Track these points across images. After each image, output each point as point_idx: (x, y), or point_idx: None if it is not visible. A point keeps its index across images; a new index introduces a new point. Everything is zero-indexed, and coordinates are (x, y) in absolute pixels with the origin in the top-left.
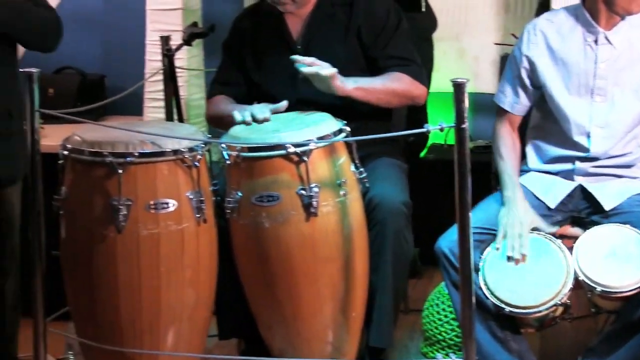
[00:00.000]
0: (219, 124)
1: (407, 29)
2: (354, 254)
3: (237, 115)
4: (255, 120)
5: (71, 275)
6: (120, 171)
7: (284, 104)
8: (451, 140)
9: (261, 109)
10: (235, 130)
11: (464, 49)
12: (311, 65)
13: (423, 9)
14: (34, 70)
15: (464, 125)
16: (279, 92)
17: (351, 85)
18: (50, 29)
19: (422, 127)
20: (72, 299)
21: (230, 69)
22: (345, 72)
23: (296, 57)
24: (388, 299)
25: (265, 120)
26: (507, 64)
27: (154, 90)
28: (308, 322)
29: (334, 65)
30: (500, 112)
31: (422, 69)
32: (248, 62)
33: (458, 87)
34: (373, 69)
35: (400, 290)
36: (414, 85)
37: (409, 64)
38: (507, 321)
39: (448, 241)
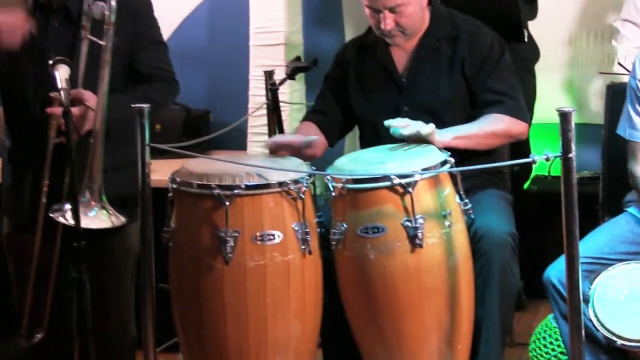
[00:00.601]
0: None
1: (509, 62)
2: (459, 285)
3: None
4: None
5: (180, 306)
6: (227, 203)
7: (315, 138)
8: (556, 171)
9: (279, 138)
10: (339, 161)
11: (568, 79)
12: (407, 127)
13: (525, 39)
14: (144, 105)
15: (571, 155)
16: (381, 125)
17: (449, 137)
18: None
19: (526, 158)
20: (181, 329)
21: (327, 99)
22: (449, 107)
23: (390, 122)
24: (494, 332)
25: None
26: (627, 96)
27: (257, 124)
28: (413, 354)
29: (438, 101)
30: (634, 148)
31: (521, 104)
32: (352, 94)
33: (564, 116)
34: (474, 105)
35: (507, 323)
36: (513, 123)
37: (508, 100)
38: (618, 355)
39: (557, 271)
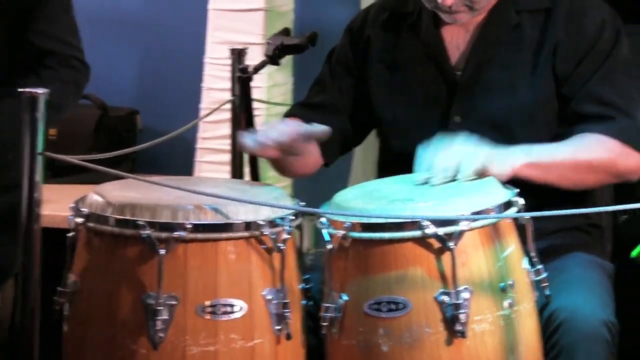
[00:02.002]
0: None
1: (626, 56)
2: None
3: (246, 140)
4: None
5: None
6: (162, 252)
7: (326, 129)
8: None
9: (270, 129)
10: (343, 195)
11: None
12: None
13: None
14: (40, 91)
15: None
16: (418, 141)
17: (520, 161)
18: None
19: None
20: None
21: (330, 89)
22: (528, 121)
23: (422, 177)
24: None
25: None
26: None
27: (213, 135)
28: None
29: (511, 109)
30: None
31: (638, 125)
32: (374, 89)
33: None
34: (564, 118)
35: None
36: (622, 154)
37: (618, 116)
38: None
39: None
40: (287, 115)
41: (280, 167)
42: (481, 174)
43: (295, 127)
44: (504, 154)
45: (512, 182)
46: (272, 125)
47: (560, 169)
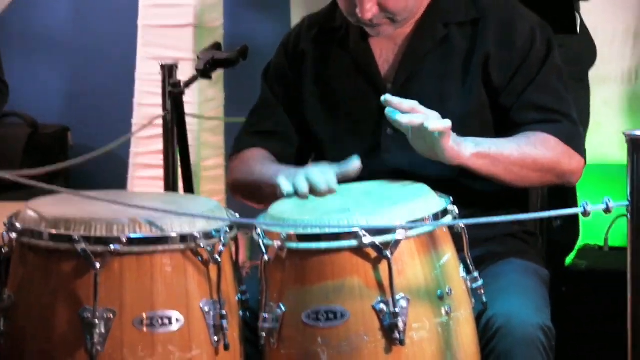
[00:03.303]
0: (249, 194)
1: (559, 63)
2: None
3: (285, 184)
4: (314, 192)
5: None
6: (97, 266)
7: (357, 164)
8: (617, 238)
9: (323, 173)
10: (278, 206)
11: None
12: (411, 113)
13: (578, 30)
14: None
15: None
16: (351, 153)
17: (470, 150)
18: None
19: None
20: None
21: (275, 113)
22: (461, 131)
23: (389, 97)
24: None
25: (331, 191)
26: None
27: (145, 150)
28: None
29: (444, 118)
30: None
31: (578, 129)
32: (308, 106)
33: (637, 143)
34: (502, 127)
35: None
36: (566, 155)
37: (560, 119)
38: None
39: None
40: (245, 147)
41: (256, 197)
42: (435, 138)
43: (333, 171)
44: (458, 138)
45: (446, 189)
46: (304, 167)
47: (507, 163)
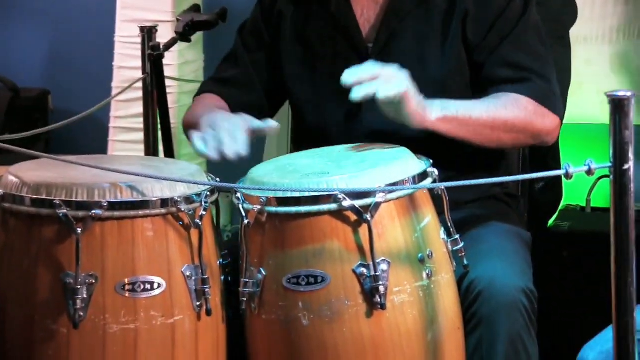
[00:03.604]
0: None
1: (537, 21)
2: None
3: (197, 142)
4: (224, 156)
5: None
6: (79, 231)
7: (274, 124)
8: (599, 199)
9: (234, 140)
10: (258, 170)
11: (622, 54)
12: (372, 81)
13: None
14: None
15: (627, 166)
16: (332, 115)
17: (436, 113)
18: None
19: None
20: None
21: (242, 64)
22: (441, 90)
23: (347, 76)
24: None
25: (239, 156)
26: None
27: (125, 115)
28: None
29: (423, 80)
30: None
31: (553, 87)
32: (288, 67)
33: (618, 105)
34: (477, 85)
35: None
36: (538, 114)
37: (533, 78)
38: None
39: (598, 352)
40: (202, 91)
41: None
42: (396, 104)
43: (246, 123)
44: (422, 101)
45: (427, 152)
46: (221, 119)
47: (476, 125)
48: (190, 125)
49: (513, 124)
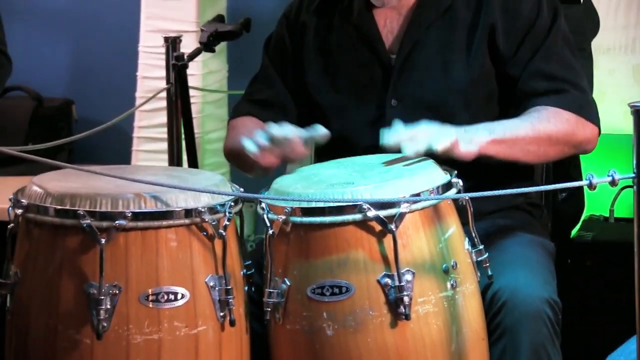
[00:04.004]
0: (237, 162)
1: (566, 32)
2: None
3: (247, 142)
4: (274, 142)
5: None
6: (103, 241)
7: (324, 131)
8: (622, 209)
9: (281, 127)
10: (282, 181)
11: None
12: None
13: (581, 0)
14: None
15: None
16: (355, 125)
17: (485, 138)
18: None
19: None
20: None
21: (273, 81)
22: (465, 102)
23: (387, 139)
24: None
25: (289, 141)
26: None
27: (149, 124)
28: None
29: (447, 91)
30: None
31: (589, 97)
32: (310, 76)
33: None
34: (508, 96)
35: None
36: (579, 125)
37: (568, 88)
38: None
39: None
40: (240, 114)
41: (253, 171)
42: (448, 152)
43: (297, 131)
44: (468, 132)
45: (451, 162)
46: (274, 126)
47: (523, 143)
48: (234, 151)
49: (557, 138)
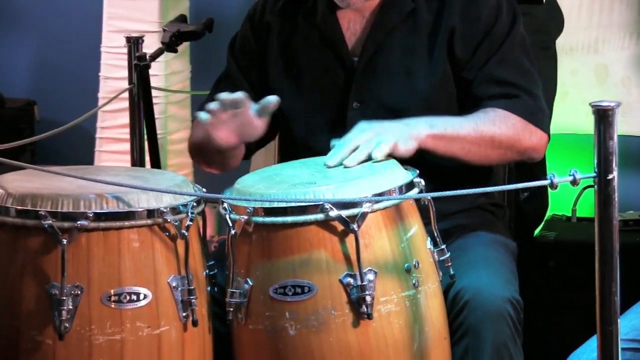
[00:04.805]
0: (200, 155)
1: (524, 37)
2: None
3: (200, 114)
4: (226, 106)
5: None
6: (64, 242)
7: (273, 98)
8: (585, 209)
9: (229, 93)
10: (245, 181)
11: (608, 63)
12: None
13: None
14: None
15: (611, 176)
16: (318, 127)
17: (424, 132)
18: None
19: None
20: None
21: (238, 83)
22: (427, 105)
23: (332, 162)
24: None
25: (236, 102)
26: None
27: (112, 125)
28: None
29: (409, 94)
30: None
31: (541, 104)
32: (274, 79)
33: (603, 115)
34: (465, 102)
35: None
36: (526, 131)
37: (520, 94)
38: None
39: None
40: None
41: (215, 161)
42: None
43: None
44: (407, 127)
45: (414, 163)
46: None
47: (463, 142)
48: (195, 143)
49: (500, 141)
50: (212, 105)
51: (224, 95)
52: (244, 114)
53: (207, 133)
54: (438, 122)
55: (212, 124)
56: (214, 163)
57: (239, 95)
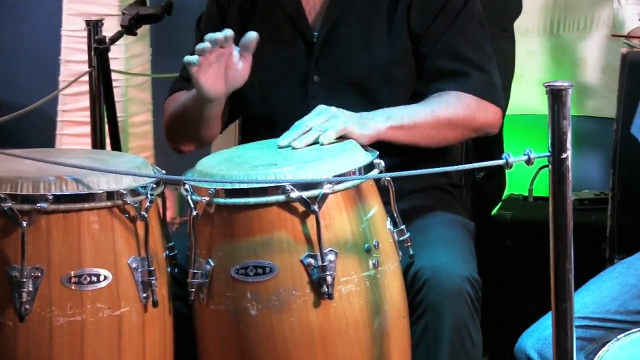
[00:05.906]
0: (181, 126)
1: (479, 13)
2: (389, 357)
3: (192, 57)
4: (214, 43)
5: None
6: (24, 224)
7: (253, 34)
8: (541, 189)
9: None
10: (206, 162)
11: (563, 45)
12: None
13: None
14: None
15: (565, 155)
16: (278, 104)
17: (382, 125)
18: None
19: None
20: None
21: None
22: (386, 79)
23: (283, 142)
24: None
25: (224, 40)
26: None
27: (73, 108)
28: None
29: (369, 68)
30: None
31: (494, 80)
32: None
33: (557, 95)
34: (420, 73)
35: None
36: (480, 108)
37: (474, 72)
38: None
39: (536, 339)
40: (174, 91)
41: (198, 123)
42: (343, 137)
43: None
44: (365, 117)
45: (373, 143)
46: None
47: (422, 128)
48: (175, 113)
49: (457, 122)
50: (201, 45)
51: (212, 35)
52: (229, 58)
53: (195, 81)
54: (394, 112)
55: (200, 68)
56: (195, 128)
57: (227, 31)
